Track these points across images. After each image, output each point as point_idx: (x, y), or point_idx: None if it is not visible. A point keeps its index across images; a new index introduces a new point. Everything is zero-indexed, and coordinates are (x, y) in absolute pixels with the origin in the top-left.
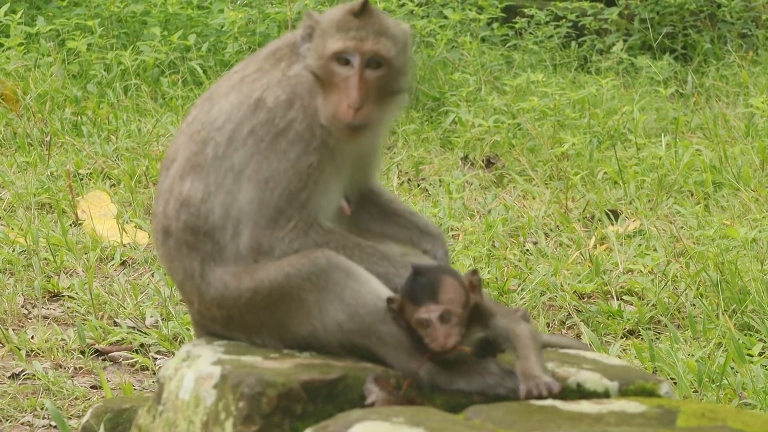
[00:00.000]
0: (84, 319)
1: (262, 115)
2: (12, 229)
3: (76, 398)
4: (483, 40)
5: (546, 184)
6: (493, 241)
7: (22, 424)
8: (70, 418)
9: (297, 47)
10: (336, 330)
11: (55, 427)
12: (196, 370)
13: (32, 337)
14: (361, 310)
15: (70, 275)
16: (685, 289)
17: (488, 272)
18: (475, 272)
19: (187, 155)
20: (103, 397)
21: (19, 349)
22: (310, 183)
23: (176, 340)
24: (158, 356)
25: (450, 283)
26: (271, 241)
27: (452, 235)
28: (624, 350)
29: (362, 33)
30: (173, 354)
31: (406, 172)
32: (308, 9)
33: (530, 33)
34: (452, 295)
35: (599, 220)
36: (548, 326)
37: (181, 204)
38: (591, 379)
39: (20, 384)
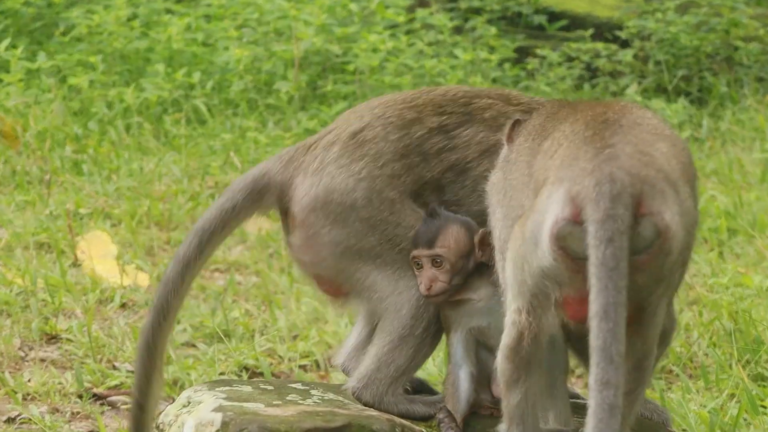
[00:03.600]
0: (82, 363)
1: None
2: (9, 269)
3: None
4: (494, 80)
5: None
6: None
7: None
8: None
9: None
10: None
11: None
12: (197, 416)
13: (29, 381)
14: None
15: (69, 317)
16: (698, 338)
17: None
18: (490, 233)
19: None
20: None
21: (16, 393)
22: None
23: (176, 384)
24: None
25: (453, 230)
26: None
27: None
28: None
29: None
30: (173, 399)
31: None
32: (316, 47)
33: (542, 74)
34: (451, 242)
35: None
36: None
37: None
38: None
39: (16, 428)
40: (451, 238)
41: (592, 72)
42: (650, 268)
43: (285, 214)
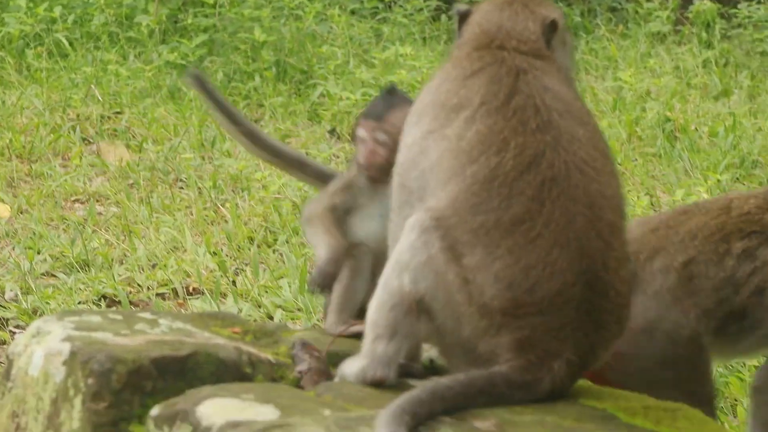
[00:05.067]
0: None
1: None
2: None
3: None
4: (352, 12)
5: None
6: None
7: None
8: None
9: None
10: None
11: None
12: (46, 346)
13: None
14: None
15: None
16: None
17: None
18: None
19: None
20: None
21: None
22: None
23: (36, 314)
24: (17, 330)
25: (405, 113)
26: None
27: None
28: None
29: None
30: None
31: None
32: None
33: (400, 6)
34: (399, 123)
35: None
36: None
37: None
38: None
39: None
40: (402, 116)
41: (448, 3)
42: None
43: None
